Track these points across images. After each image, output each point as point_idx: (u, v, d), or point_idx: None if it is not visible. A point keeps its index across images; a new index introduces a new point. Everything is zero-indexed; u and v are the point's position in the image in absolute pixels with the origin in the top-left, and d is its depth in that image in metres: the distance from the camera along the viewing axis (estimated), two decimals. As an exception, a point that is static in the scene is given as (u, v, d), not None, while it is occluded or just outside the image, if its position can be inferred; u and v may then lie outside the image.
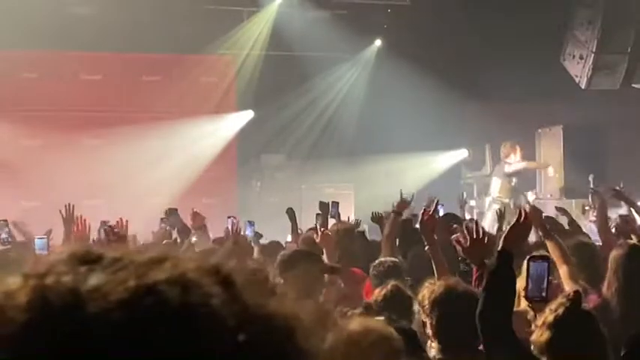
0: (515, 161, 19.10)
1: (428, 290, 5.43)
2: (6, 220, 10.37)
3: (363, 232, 11.34)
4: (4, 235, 10.18)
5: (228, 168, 20.48)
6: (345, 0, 20.01)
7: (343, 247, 8.94)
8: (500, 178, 19.12)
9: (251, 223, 11.77)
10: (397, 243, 9.27)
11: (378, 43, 21.25)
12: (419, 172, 20.40)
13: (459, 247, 6.13)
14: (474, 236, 5.90)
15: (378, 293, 6.09)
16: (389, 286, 6.09)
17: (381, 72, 20.45)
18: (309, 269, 6.89)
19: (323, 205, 11.96)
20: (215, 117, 20.47)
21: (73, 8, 18.60)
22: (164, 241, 10.68)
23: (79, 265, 1.06)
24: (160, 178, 18.83)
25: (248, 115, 20.79)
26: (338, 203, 12.40)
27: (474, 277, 5.89)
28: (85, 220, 8.83)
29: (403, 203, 9.89)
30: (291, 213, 12.07)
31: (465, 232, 6.00)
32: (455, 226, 8.49)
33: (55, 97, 19.29)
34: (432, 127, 19.27)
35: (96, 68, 19.95)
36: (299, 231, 11.77)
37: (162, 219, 12.62)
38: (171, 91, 19.82)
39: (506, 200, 18.28)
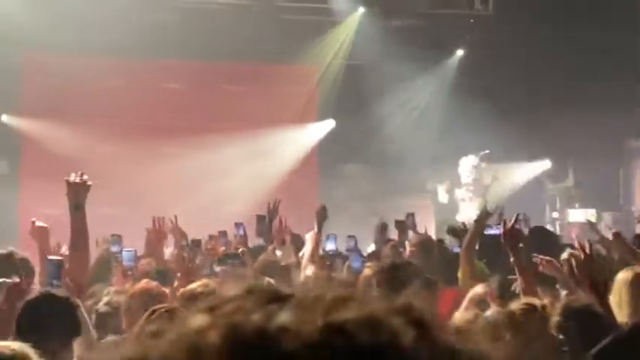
0: None
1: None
2: (120, 236, 10.16)
3: (442, 241, 11.23)
4: (114, 249, 9.77)
5: (309, 177, 20.52)
6: (427, 10, 19.97)
7: (421, 259, 8.89)
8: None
9: (334, 237, 11.40)
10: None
11: (460, 53, 21.15)
12: (501, 182, 20.27)
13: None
14: (586, 253, 5.79)
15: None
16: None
17: (462, 82, 20.34)
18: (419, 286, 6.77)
19: (399, 224, 11.92)
20: (297, 126, 20.56)
21: (158, 16, 18.86)
22: (240, 249, 10.61)
23: (266, 303, 1.06)
24: (240, 186, 18.93)
25: (329, 124, 20.85)
26: (413, 214, 12.34)
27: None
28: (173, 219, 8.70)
29: (486, 215, 9.76)
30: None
31: (578, 248, 5.91)
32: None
33: (138, 106, 19.53)
34: (514, 137, 19.12)
35: (179, 77, 20.17)
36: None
37: (235, 224, 12.44)
38: (253, 100, 19.94)
39: None
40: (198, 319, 1.06)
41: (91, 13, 18.22)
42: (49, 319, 4.37)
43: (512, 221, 7.19)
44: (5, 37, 18.16)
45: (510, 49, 19.40)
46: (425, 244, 9.74)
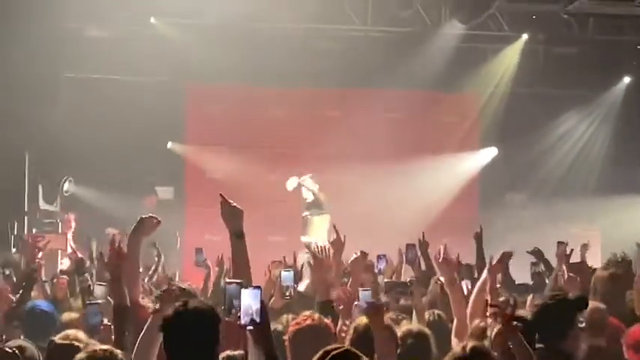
0: None
1: None
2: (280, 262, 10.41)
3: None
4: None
5: (470, 207, 20.22)
6: (592, 37, 19.57)
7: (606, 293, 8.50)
8: None
9: None
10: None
11: (626, 80, 20.60)
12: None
13: None
14: None
15: None
16: None
17: (630, 110, 19.86)
18: None
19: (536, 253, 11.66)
20: (458, 155, 20.37)
21: (322, 45, 19.12)
22: (392, 275, 10.43)
23: None
24: (401, 215, 18.76)
25: (492, 152, 20.60)
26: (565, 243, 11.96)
27: None
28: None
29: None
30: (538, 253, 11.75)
31: None
32: None
33: (300, 134, 19.77)
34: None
35: (340, 105, 20.22)
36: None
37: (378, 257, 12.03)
38: (415, 128, 19.89)
39: None
40: None
41: (253, 43, 18.52)
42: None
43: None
44: (169, 68, 18.68)
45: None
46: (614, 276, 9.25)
